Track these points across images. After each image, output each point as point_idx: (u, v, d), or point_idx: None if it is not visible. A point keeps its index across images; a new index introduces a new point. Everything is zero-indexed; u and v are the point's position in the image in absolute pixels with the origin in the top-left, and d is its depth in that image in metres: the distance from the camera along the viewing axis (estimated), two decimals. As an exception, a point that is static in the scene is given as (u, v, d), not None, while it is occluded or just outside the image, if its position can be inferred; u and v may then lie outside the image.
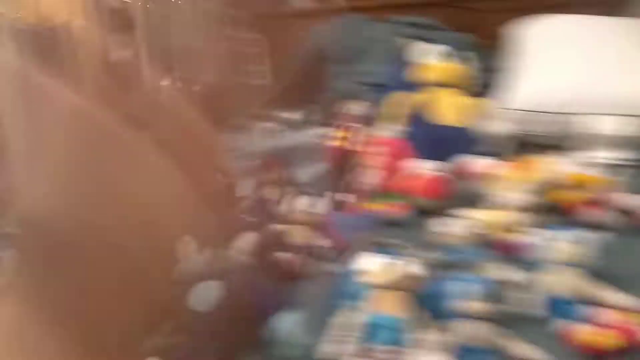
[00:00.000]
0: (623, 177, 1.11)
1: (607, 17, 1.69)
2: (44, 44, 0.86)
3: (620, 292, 0.86)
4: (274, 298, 0.84)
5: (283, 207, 1.13)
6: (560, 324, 0.84)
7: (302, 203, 1.11)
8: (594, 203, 1.07)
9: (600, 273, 0.89)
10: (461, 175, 1.22)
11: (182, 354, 0.81)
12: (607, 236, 0.94)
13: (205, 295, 0.82)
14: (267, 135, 1.60)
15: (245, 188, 1.25)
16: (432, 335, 0.80)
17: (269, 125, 1.64)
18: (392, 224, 1.14)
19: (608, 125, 1.27)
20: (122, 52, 1.07)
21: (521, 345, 0.81)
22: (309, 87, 1.73)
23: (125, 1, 1.50)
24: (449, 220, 1.05)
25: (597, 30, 1.53)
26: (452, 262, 0.99)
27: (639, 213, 1.04)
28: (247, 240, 0.93)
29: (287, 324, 0.80)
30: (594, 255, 0.88)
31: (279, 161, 1.24)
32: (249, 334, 0.83)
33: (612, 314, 0.82)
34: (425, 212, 1.16)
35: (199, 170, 1.13)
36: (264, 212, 1.15)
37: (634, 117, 1.25)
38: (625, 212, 1.06)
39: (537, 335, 0.83)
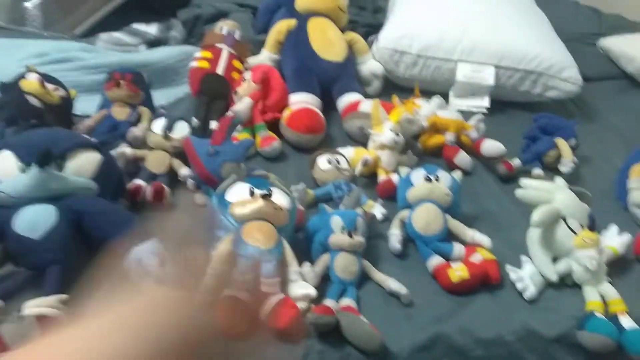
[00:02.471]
0: (476, 122, 1.17)
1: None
2: None
3: (471, 229, 0.91)
4: (123, 226, 0.72)
5: (136, 130, 0.98)
6: (423, 258, 0.87)
7: (160, 127, 0.98)
8: (452, 145, 1.13)
9: (454, 211, 0.93)
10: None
11: (12, 283, 0.68)
12: (462, 176, 0.98)
13: (35, 220, 0.68)
14: (117, 47, 1.39)
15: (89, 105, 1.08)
16: (300, 268, 0.77)
17: (120, 36, 1.42)
18: (257, 155, 1.08)
19: (463, 72, 1.33)
20: None
21: (384, 277, 0.82)
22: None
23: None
24: (318, 156, 1.03)
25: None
26: (319, 196, 0.97)
27: (489, 156, 1.12)
28: (88, 160, 0.78)
29: (141, 254, 0.70)
30: (449, 193, 0.92)
31: (132, 78, 1.06)
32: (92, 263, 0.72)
33: (467, 250, 0.87)
34: (295, 147, 1.12)
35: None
36: (112, 133, 1.00)
37: (486, 66, 1.32)
38: (480, 156, 1.13)
39: (399, 269, 0.86)
